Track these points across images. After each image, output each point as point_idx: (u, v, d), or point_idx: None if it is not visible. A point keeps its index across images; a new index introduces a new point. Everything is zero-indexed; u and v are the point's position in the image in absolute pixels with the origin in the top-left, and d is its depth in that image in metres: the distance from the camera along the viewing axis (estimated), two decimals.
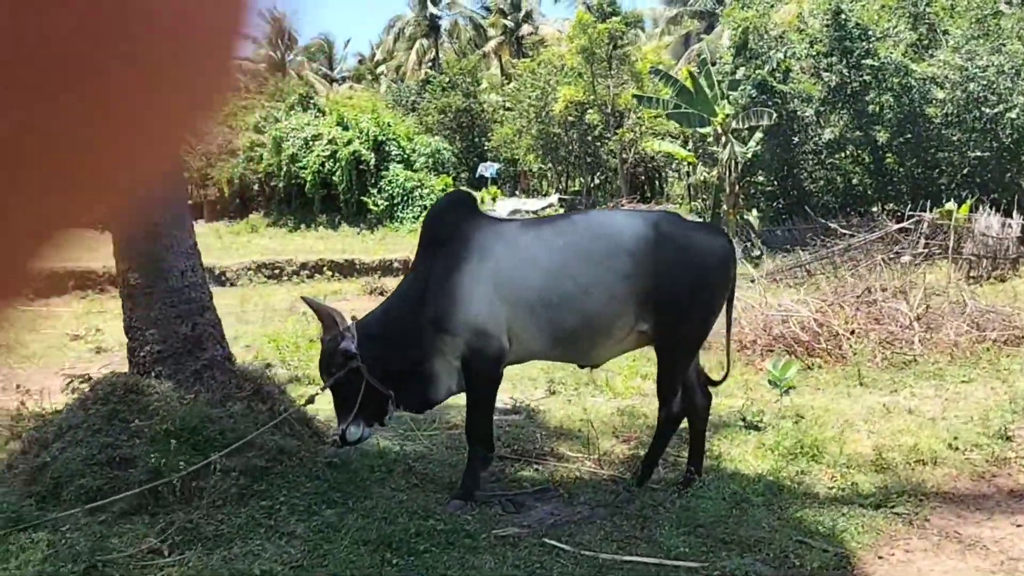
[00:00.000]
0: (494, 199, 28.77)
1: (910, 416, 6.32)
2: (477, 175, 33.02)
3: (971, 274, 14.57)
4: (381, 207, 26.95)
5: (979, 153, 19.92)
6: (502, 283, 4.44)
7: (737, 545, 4.10)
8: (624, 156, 30.10)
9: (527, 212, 27.17)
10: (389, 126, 29.52)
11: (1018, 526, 4.39)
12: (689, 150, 25.10)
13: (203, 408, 4.38)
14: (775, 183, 23.06)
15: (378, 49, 56.19)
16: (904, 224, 15.97)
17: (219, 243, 24.43)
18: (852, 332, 8.74)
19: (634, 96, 25.23)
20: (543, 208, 27.89)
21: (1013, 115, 19.07)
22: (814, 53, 21.20)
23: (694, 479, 4.80)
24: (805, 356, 8.51)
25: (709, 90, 21.95)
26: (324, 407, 5.41)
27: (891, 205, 20.96)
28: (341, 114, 29.72)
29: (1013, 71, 19.40)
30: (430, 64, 47.72)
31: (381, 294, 14.38)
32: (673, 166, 29.93)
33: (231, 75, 0.40)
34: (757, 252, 20.24)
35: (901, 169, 21.26)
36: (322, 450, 4.75)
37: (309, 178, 27.78)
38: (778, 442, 5.45)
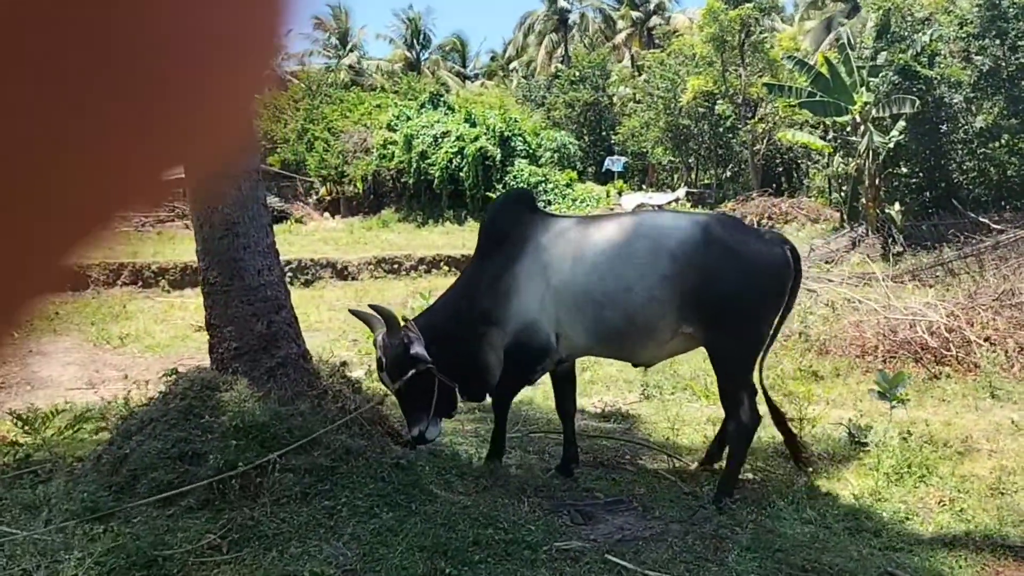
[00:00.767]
0: (620, 193, 28.32)
1: None
2: (604, 169, 32.64)
3: None
4: None
5: None
6: (553, 279, 4.52)
7: (816, 574, 3.77)
8: (757, 147, 28.94)
9: (653, 206, 26.59)
10: (516, 122, 29.69)
11: None
12: (828, 140, 23.79)
13: (273, 405, 4.43)
14: (920, 174, 21.49)
15: (509, 45, 56.64)
16: None
17: (349, 237, 25.30)
18: (987, 339, 7.98)
19: (765, 85, 24.16)
20: (669, 202, 27.22)
21: None
22: (964, 35, 19.59)
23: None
24: (932, 364, 7.85)
25: (847, 77, 20.71)
26: (390, 405, 5.40)
27: None
28: (469, 111, 30.16)
29: None
30: (560, 59, 47.61)
31: None
32: (812, 157, 28.47)
33: (270, 70, 0.41)
34: (899, 249, 18.98)
35: None
36: (390, 451, 4.72)
37: (437, 174, 28.40)
38: (882, 460, 5.00)
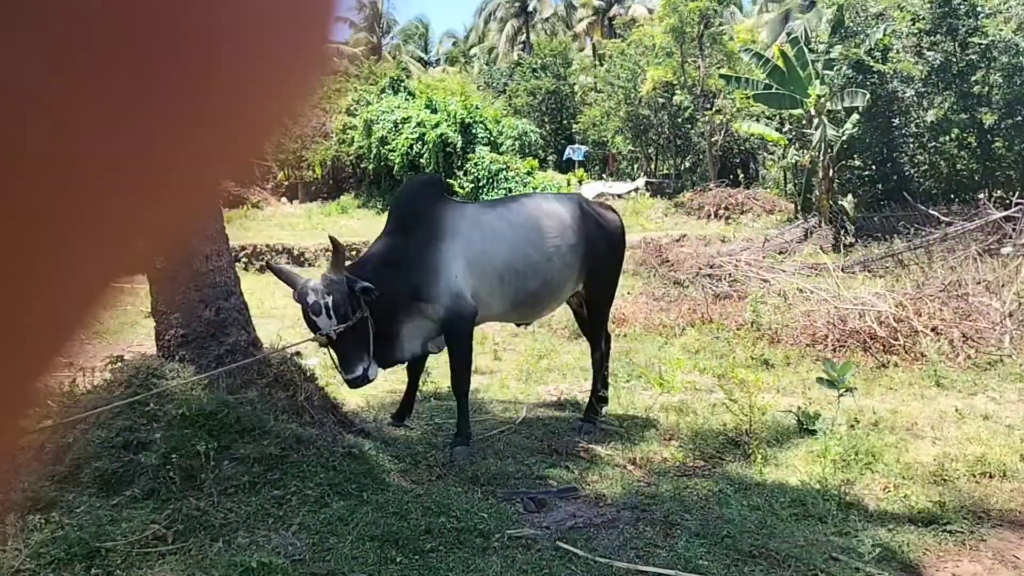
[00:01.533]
0: (580, 182, 28.36)
1: (984, 422, 5.82)
2: (564, 158, 32.68)
3: None
4: (467, 189, 26.94)
5: None
6: (473, 256, 5.08)
7: (764, 559, 3.83)
8: (715, 139, 29.19)
9: (612, 195, 26.69)
10: (477, 109, 29.50)
11: None
12: (783, 133, 24.06)
13: (221, 394, 4.36)
14: (873, 167, 21.83)
15: (471, 32, 56.32)
16: (1010, 212, 14.86)
17: (308, 223, 25.01)
18: (934, 329, 8.15)
19: (721, 76, 24.35)
20: (628, 192, 27.35)
21: None
22: (916, 31, 19.91)
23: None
24: (881, 353, 8.00)
25: (802, 70, 20.95)
26: (346, 394, 5.32)
27: (999, 192, 19.57)
28: (430, 97, 29.91)
29: None
30: (521, 46, 47.48)
31: None
32: (769, 149, 28.78)
33: (326, 59, 0.40)
34: (850, 240, 19.28)
35: (1010, 153, 19.80)
36: (342, 439, 4.68)
37: (397, 160, 28.10)
38: (829, 447, 5.09)
